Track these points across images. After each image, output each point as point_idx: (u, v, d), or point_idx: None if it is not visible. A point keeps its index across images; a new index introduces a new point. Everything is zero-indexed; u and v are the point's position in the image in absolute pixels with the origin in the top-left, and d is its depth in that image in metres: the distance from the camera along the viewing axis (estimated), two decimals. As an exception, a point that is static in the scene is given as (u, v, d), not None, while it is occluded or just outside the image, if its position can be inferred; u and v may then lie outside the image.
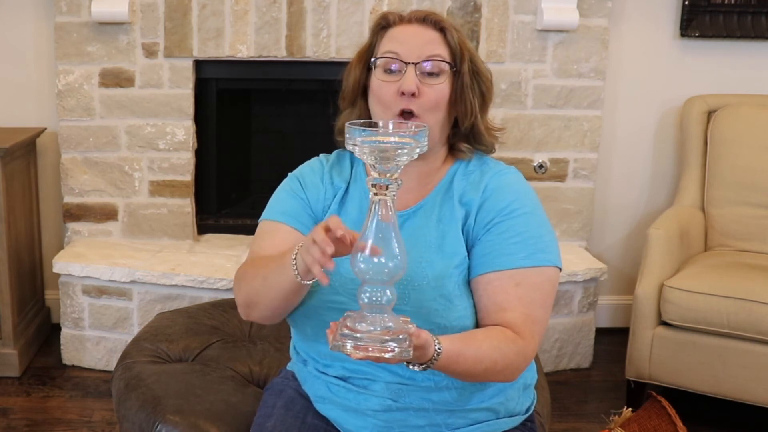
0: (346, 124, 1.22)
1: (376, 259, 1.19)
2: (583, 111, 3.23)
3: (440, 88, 1.50)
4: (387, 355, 1.18)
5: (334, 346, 1.20)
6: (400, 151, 1.19)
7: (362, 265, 1.19)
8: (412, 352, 1.21)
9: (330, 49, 3.08)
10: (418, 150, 1.21)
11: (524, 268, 1.46)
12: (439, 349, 1.29)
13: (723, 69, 3.34)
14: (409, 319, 1.25)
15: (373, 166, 1.20)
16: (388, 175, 1.19)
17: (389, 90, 1.49)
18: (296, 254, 1.34)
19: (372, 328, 1.20)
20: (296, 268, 1.33)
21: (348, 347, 1.19)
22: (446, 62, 1.51)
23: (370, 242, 1.19)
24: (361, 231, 1.21)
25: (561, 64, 3.17)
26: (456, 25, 1.56)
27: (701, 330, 2.65)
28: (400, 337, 1.19)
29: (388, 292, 1.21)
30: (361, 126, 1.21)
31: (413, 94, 1.47)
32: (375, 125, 1.25)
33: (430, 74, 1.50)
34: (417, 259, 1.47)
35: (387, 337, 1.19)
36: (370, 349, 1.18)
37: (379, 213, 1.20)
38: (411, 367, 1.31)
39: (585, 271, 3.07)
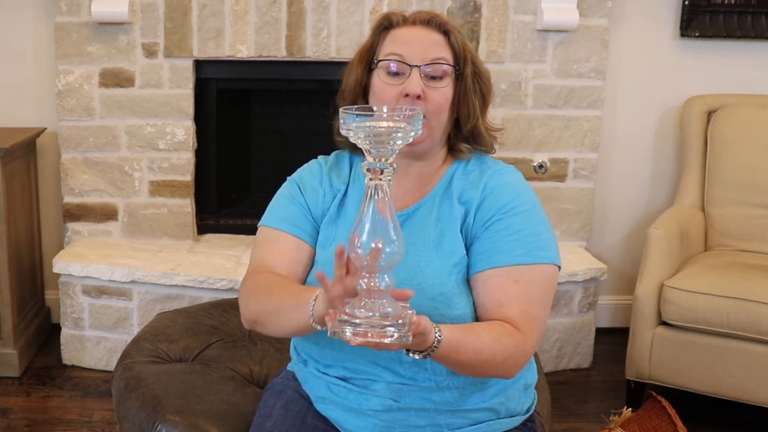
0: (341, 110, 1.22)
1: (373, 244, 1.18)
2: (583, 111, 3.23)
3: (444, 92, 1.50)
4: (386, 341, 1.18)
5: (333, 333, 1.19)
6: (394, 134, 1.18)
7: (360, 251, 1.19)
8: (411, 338, 1.20)
9: (330, 49, 3.08)
10: (412, 134, 1.20)
11: (523, 265, 1.46)
12: (440, 336, 1.29)
13: (723, 69, 3.34)
14: (408, 305, 1.24)
15: (368, 151, 1.19)
16: (383, 159, 1.19)
17: (392, 92, 1.49)
18: (314, 302, 1.34)
19: (371, 314, 1.19)
20: (312, 315, 1.35)
21: (347, 333, 1.18)
22: (450, 65, 1.51)
23: (367, 227, 1.19)
24: (358, 216, 1.21)
25: (561, 64, 3.17)
26: (457, 26, 1.56)
27: (701, 330, 2.65)
28: (399, 322, 1.19)
29: (386, 278, 1.20)
30: (355, 111, 1.21)
31: (418, 97, 1.47)
32: (369, 110, 1.25)
33: (434, 77, 1.50)
34: (416, 258, 1.48)
35: (386, 323, 1.18)
36: (369, 334, 1.17)
37: (376, 198, 1.20)
38: (411, 354, 1.31)
39: (585, 271, 3.07)
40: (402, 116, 1.22)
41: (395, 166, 1.20)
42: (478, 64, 1.56)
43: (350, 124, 1.20)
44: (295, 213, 1.58)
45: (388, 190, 1.20)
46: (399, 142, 1.19)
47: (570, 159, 3.27)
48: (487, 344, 1.38)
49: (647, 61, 3.34)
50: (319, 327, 1.36)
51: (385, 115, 1.23)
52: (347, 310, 1.20)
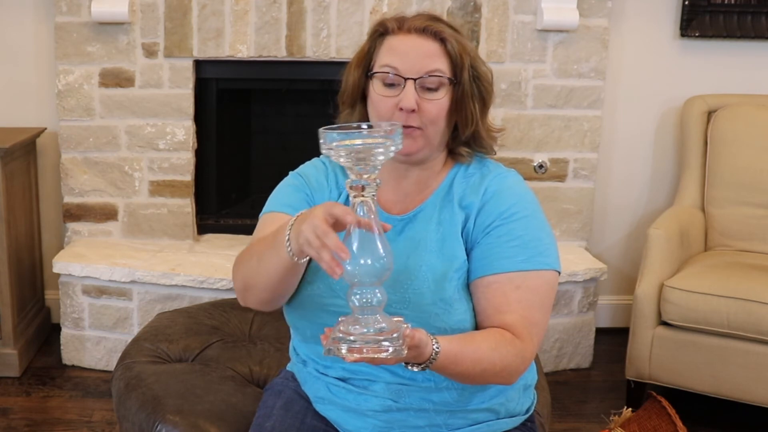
0: (320, 130, 1.21)
1: (362, 261, 1.19)
2: (583, 111, 3.23)
3: (439, 103, 1.48)
4: (382, 356, 1.18)
5: (329, 351, 1.20)
6: (375, 151, 1.18)
7: (348, 268, 1.19)
8: (406, 351, 1.21)
9: (330, 49, 3.08)
10: (393, 149, 1.20)
11: (523, 271, 1.46)
12: (437, 348, 1.29)
13: (723, 69, 3.34)
14: (402, 319, 1.25)
15: (351, 169, 1.19)
16: (365, 176, 1.19)
17: (387, 104, 1.48)
18: (289, 232, 1.30)
19: (365, 330, 1.20)
20: (290, 248, 1.30)
21: (342, 350, 1.19)
22: (446, 77, 1.48)
23: (354, 245, 1.19)
24: (345, 234, 1.21)
25: (561, 64, 3.17)
26: (456, 25, 1.53)
27: (701, 330, 2.66)
28: (394, 336, 1.20)
29: (378, 293, 1.21)
30: (335, 130, 1.21)
31: (413, 111, 1.46)
32: (349, 128, 1.24)
33: (430, 89, 1.48)
34: (417, 263, 1.47)
35: (381, 338, 1.19)
36: (365, 350, 1.18)
37: (361, 215, 1.20)
38: (409, 367, 1.31)
39: (585, 271, 3.08)
40: (381, 132, 1.22)
41: (378, 181, 1.20)
42: (478, 66, 1.54)
43: (330, 144, 1.19)
44: (298, 199, 1.56)
45: (373, 205, 1.20)
46: (380, 158, 1.19)
47: (570, 159, 3.27)
48: (486, 354, 1.38)
49: (647, 61, 3.34)
50: (300, 261, 1.32)
51: (364, 132, 1.23)
52: (341, 328, 1.21)
